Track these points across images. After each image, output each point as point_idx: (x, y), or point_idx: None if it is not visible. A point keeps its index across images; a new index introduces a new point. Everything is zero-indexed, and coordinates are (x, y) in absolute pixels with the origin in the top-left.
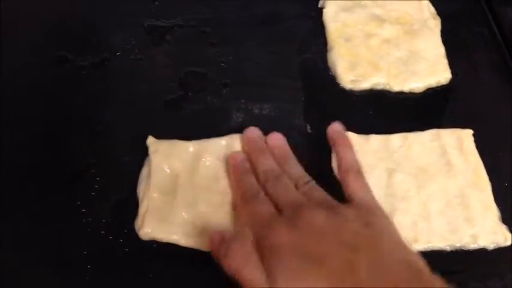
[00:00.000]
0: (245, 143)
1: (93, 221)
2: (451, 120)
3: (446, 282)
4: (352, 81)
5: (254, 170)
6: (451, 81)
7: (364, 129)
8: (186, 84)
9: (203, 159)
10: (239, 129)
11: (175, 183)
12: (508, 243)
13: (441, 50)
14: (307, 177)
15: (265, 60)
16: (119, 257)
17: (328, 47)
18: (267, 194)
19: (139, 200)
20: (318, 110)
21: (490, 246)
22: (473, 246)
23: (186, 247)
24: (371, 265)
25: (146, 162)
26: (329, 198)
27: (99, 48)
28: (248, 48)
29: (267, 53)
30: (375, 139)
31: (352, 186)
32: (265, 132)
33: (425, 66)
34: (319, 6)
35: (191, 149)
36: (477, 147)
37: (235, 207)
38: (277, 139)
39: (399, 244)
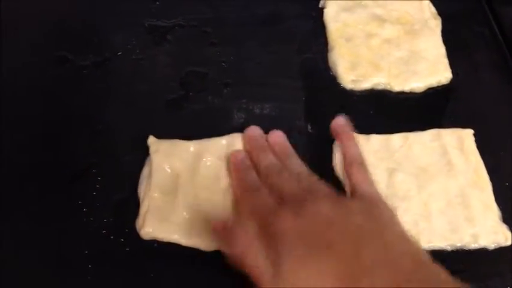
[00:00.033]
0: (246, 141)
1: (94, 220)
2: (451, 120)
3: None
4: (353, 81)
5: (255, 167)
6: (452, 81)
7: (364, 129)
8: (187, 84)
9: (204, 159)
10: (240, 129)
11: (176, 183)
12: (509, 243)
13: (442, 50)
14: (309, 171)
15: (266, 60)
16: (119, 256)
17: (328, 47)
18: (269, 189)
19: (140, 200)
20: (318, 110)
21: (491, 246)
22: (473, 246)
23: (187, 247)
24: (375, 255)
25: (147, 162)
26: (332, 191)
27: (100, 48)
28: (249, 48)
29: (267, 53)
30: (376, 139)
31: (356, 179)
32: (266, 132)
33: (426, 66)
34: (320, 6)
35: (192, 148)
36: (478, 147)
37: (235, 202)
38: (277, 136)
39: (403, 236)
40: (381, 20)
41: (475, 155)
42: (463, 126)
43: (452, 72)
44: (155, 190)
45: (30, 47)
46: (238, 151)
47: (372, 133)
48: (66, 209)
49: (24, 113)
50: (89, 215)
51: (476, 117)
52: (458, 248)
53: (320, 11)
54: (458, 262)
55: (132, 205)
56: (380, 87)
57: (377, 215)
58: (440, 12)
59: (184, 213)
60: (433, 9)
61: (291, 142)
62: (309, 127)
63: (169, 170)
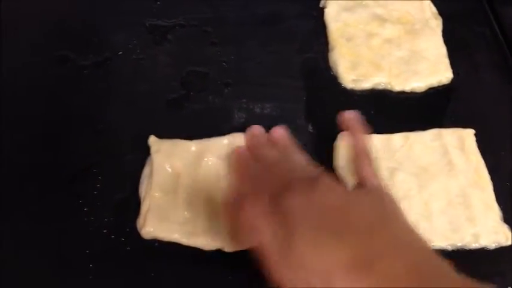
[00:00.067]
0: (248, 139)
1: (95, 220)
2: (452, 120)
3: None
4: (354, 80)
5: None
6: (453, 81)
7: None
8: (187, 84)
9: (205, 159)
10: (241, 129)
11: (177, 183)
12: (509, 243)
13: (443, 49)
14: (314, 164)
15: (266, 59)
16: (120, 255)
17: (329, 46)
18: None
19: (141, 199)
20: (319, 109)
21: (492, 245)
22: (474, 245)
23: (188, 246)
24: (386, 243)
25: (148, 162)
26: (339, 182)
27: (100, 47)
28: (249, 47)
29: (268, 53)
30: (377, 139)
31: (365, 172)
32: (267, 132)
33: (427, 66)
34: (321, 6)
35: (193, 148)
36: (478, 147)
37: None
38: (279, 132)
39: (408, 229)
40: (381, 20)
41: (476, 154)
42: (464, 126)
43: (453, 72)
44: (156, 190)
45: (31, 47)
46: (241, 147)
47: (372, 133)
48: (66, 208)
49: (24, 113)
50: (90, 214)
51: (477, 117)
52: (459, 247)
53: (321, 11)
54: (459, 262)
55: (133, 205)
56: (381, 87)
57: (384, 206)
58: (441, 12)
59: (185, 213)
60: (433, 9)
61: None
62: (310, 127)
63: (170, 170)
